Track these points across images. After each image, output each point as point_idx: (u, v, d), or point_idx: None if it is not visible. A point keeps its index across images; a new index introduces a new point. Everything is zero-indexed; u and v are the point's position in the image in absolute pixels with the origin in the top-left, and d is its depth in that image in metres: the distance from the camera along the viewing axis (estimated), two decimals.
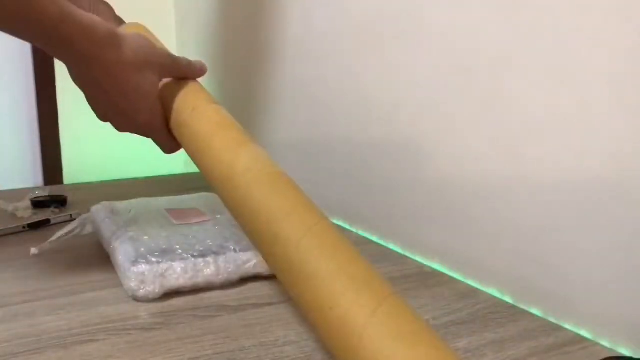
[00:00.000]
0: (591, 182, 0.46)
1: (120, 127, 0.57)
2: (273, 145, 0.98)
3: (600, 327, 0.46)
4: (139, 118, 0.55)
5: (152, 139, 0.59)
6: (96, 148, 1.40)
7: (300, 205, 0.41)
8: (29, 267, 0.59)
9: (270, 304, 0.52)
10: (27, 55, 1.33)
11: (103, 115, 0.56)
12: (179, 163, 1.45)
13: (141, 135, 0.58)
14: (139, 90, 0.53)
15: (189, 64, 0.58)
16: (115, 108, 0.54)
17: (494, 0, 0.54)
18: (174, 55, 0.58)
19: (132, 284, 0.51)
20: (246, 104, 1.06)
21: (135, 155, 1.38)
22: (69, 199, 0.83)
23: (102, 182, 1.05)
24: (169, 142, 0.58)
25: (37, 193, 0.84)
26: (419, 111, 0.64)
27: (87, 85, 0.54)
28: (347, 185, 0.78)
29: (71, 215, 0.76)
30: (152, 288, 0.51)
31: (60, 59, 0.51)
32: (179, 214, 0.66)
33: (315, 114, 0.83)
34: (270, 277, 0.57)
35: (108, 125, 0.56)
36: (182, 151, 0.57)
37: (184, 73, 0.58)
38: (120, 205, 0.70)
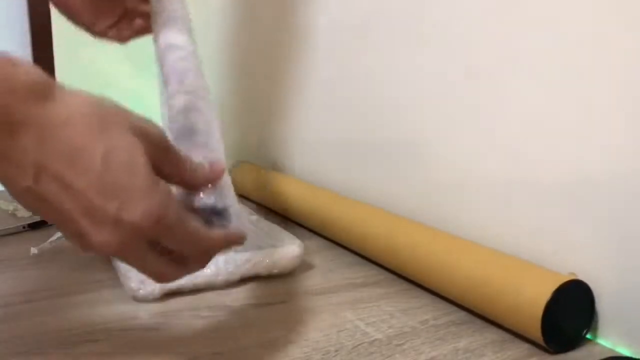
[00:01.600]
0: (591, 182, 0.46)
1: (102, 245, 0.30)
2: (292, 144, 0.95)
3: (600, 327, 0.46)
4: (134, 205, 0.30)
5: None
6: None
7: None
8: (29, 267, 0.59)
9: (270, 304, 0.52)
10: (27, 50, 1.33)
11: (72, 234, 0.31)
12: None
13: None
14: (113, 158, 0.30)
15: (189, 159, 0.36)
16: (81, 207, 0.29)
17: (495, 0, 0.54)
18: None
19: (132, 284, 0.50)
20: (262, 104, 1.05)
21: None
22: None
23: None
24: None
25: None
26: (418, 111, 0.64)
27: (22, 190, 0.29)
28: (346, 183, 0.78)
29: None
30: (152, 288, 0.51)
31: None
32: None
33: (332, 114, 0.83)
34: (270, 277, 0.57)
35: None
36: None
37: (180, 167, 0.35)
38: None
